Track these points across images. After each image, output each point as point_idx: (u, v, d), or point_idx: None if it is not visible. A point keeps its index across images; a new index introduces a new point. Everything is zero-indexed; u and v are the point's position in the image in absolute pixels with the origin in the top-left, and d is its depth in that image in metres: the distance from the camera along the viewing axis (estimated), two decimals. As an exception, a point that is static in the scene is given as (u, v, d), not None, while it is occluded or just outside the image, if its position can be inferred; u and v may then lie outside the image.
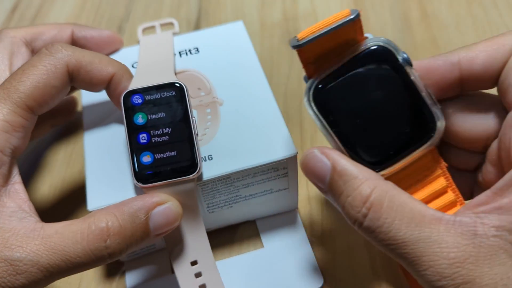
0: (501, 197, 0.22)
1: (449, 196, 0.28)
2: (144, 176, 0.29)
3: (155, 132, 0.30)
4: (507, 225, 0.21)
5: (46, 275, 0.26)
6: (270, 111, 0.34)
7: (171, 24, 0.42)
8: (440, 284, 0.21)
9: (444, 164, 0.28)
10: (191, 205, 0.30)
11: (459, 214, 0.23)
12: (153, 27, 0.41)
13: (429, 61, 0.28)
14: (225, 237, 0.37)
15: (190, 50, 0.39)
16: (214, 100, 0.35)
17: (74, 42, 0.38)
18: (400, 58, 0.27)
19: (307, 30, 0.26)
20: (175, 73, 0.36)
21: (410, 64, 0.27)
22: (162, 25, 0.42)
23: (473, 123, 0.28)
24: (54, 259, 0.25)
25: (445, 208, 0.28)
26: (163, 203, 0.28)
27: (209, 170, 0.32)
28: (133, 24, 0.55)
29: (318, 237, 0.37)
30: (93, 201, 0.31)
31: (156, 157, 0.30)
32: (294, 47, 0.26)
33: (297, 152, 0.32)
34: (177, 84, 0.31)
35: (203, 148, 0.33)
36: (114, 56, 0.39)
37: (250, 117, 0.34)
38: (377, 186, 0.24)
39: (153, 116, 0.31)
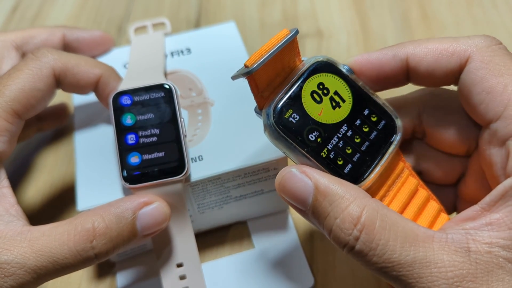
0: (490, 213, 0.22)
1: (433, 205, 0.28)
2: (132, 176, 0.29)
3: (143, 133, 0.30)
4: (499, 242, 0.21)
5: (34, 277, 0.26)
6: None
7: (163, 24, 0.42)
8: None
9: (408, 164, 0.28)
10: (179, 207, 0.30)
11: (449, 231, 0.22)
12: (145, 27, 0.41)
13: (377, 56, 0.27)
14: (216, 238, 0.37)
15: (182, 51, 0.39)
16: (205, 100, 0.35)
17: (66, 44, 0.38)
18: (343, 69, 0.27)
19: (252, 57, 0.24)
20: (166, 74, 0.37)
21: (353, 73, 0.27)
22: (154, 25, 0.42)
23: (451, 131, 0.28)
24: (42, 261, 0.26)
25: (433, 219, 0.27)
26: (150, 203, 0.28)
27: (199, 170, 0.32)
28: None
29: (309, 238, 0.37)
30: (82, 202, 0.31)
31: (144, 158, 0.30)
32: (245, 74, 0.24)
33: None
34: (166, 86, 0.32)
35: (193, 148, 0.33)
36: (107, 57, 0.39)
37: (241, 118, 0.34)
38: (366, 205, 0.22)
39: (141, 117, 0.31)
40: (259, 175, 0.33)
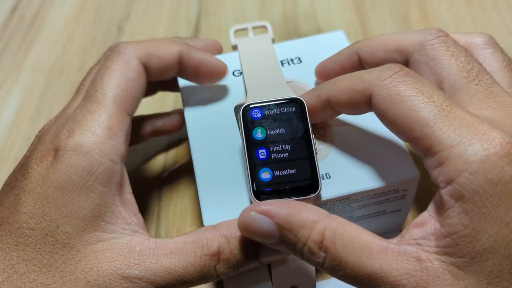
0: (435, 221, 0.23)
1: None
2: (263, 192, 0.28)
3: (275, 148, 0.29)
4: (444, 250, 0.22)
5: None
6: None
7: (264, 27, 0.40)
8: None
9: None
10: None
11: (402, 242, 0.23)
12: (245, 29, 0.40)
13: (340, 57, 0.33)
14: None
15: (292, 60, 0.38)
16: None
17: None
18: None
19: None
20: None
21: None
22: (254, 28, 0.40)
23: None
24: (170, 279, 0.26)
25: None
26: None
27: (329, 189, 0.30)
28: (133, 24, 0.56)
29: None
30: (208, 217, 0.30)
31: (276, 174, 0.29)
32: None
33: (420, 174, 0.30)
34: (298, 100, 0.30)
35: (319, 165, 0.31)
36: None
37: (364, 134, 0.32)
38: (326, 227, 0.24)
39: (272, 132, 0.30)
40: (387, 196, 0.31)
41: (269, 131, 0.30)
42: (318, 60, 0.35)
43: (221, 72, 0.35)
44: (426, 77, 0.28)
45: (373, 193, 0.31)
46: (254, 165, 0.29)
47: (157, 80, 0.33)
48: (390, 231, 0.36)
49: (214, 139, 0.33)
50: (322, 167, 0.31)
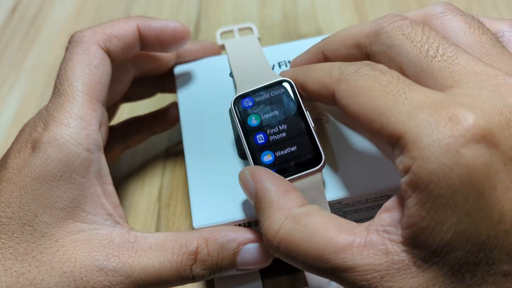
0: (402, 209, 0.22)
1: None
2: None
3: (272, 131, 0.30)
4: (407, 241, 0.21)
5: None
6: None
7: (249, 28, 0.41)
8: None
9: None
10: (319, 200, 0.29)
11: (371, 228, 0.23)
12: (231, 31, 0.40)
13: (307, 55, 0.32)
14: None
15: (285, 63, 0.38)
16: (319, 116, 0.34)
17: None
18: None
19: None
20: None
21: None
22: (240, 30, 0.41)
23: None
24: (146, 275, 0.26)
25: None
26: (256, 241, 0.28)
27: None
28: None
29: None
30: (198, 219, 0.30)
31: (277, 155, 0.29)
32: None
33: None
34: (284, 81, 0.31)
35: None
36: (207, 69, 0.39)
37: (357, 138, 0.32)
38: (288, 216, 0.24)
39: (266, 116, 0.30)
40: (379, 202, 0.31)
41: (263, 115, 0.30)
42: None
43: (183, 34, 0.34)
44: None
45: (365, 198, 0.31)
46: (254, 151, 0.29)
47: (123, 58, 0.33)
48: None
49: (208, 140, 0.34)
50: None
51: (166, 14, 0.56)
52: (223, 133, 0.34)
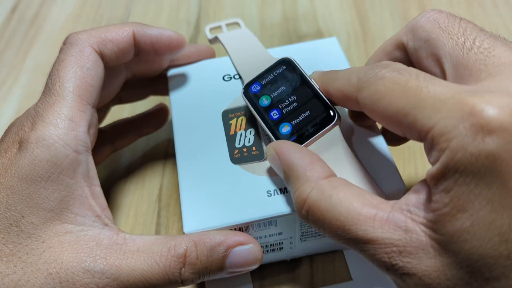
0: (429, 190, 0.22)
1: None
2: None
3: (283, 104, 0.32)
4: (429, 224, 0.22)
5: None
6: (373, 137, 0.32)
7: (237, 24, 0.41)
8: (386, 272, 0.23)
9: None
10: (342, 154, 0.30)
11: (395, 207, 0.23)
12: (219, 27, 0.41)
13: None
14: (307, 267, 0.35)
15: None
16: None
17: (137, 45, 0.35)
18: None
19: None
20: None
21: None
22: (227, 25, 0.41)
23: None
24: (134, 278, 0.26)
25: None
26: (245, 243, 0.28)
27: None
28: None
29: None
30: (189, 225, 0.30)
31: (293, 123, 0.31)
32: None
33: (405, 187, 0.30)
34: (284, 59, 0.33)
35: None
36: (203, 70, 0.39)
37: (352, 146, 0.32)
38: (314, 187, 0.25)
39: (275, 94, 0.32)
40: None
41: (272, 94, 0.32)
42: (310, 66, 0.35)
43: (178, 43, 0.35)
44: (426, 63, 0.27)
45: None
46: (271, 127, 0.31)
47: (117, 63, 0.33)
48: None
49: (200, 144, 0.33)
50: None
51: (166, 14, 0.56)
52: (215, 137, 0.34)
